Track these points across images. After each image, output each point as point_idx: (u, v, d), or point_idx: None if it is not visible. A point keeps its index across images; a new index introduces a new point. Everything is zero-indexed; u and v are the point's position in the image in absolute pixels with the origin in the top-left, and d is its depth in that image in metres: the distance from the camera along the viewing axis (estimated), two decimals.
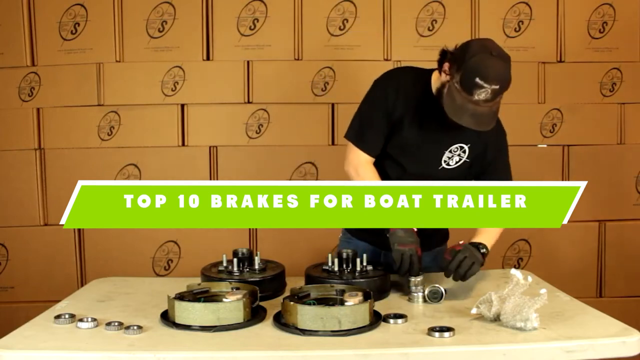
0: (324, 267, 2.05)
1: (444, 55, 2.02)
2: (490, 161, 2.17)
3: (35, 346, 1.60)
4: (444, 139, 2.13)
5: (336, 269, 2.02)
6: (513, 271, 1.71)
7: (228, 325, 1.68)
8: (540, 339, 1.60)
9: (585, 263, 3.19)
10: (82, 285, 2.77)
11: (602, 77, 3.18)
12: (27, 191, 3.12)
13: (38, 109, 3.12)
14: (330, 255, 2.06)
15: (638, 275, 3.19)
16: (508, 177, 2.18)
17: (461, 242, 2.03)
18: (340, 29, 3.14)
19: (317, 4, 3.11)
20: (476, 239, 2.07)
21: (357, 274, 1.99)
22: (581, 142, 3.20)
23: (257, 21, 3.12)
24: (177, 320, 1.70)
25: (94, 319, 1.72)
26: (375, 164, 2.21)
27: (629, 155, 3.21)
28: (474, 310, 1.75)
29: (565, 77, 3.18)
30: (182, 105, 3.13)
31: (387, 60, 3.14)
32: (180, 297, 1.79)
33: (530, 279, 1.73)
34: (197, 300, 1.77)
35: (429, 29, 3.14)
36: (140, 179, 3.12)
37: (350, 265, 2.03)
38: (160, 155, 3.14)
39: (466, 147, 2.14)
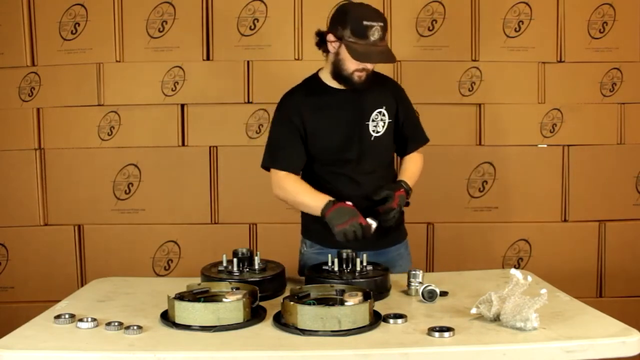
0: (324, 267, 2.05)
1: (321, 35, 2.19)
2: (404, 113, 2.31)
3: (35, 346, 1.60)
4: (363, 112, 2.24)
5: (336, 269, 2.02)
6: (513, 271, 1.71)
7: (228, 325, 1.68)
8: (540, 339, 1.60)
9: (585, 263, 3.18)
10: (82, 285, 2.77)
11: (602, 77, 3.18)
12: (27, 191, 3.12)
13: (38, 109, 3.12)
14: (330, 255, 2.06)
15: (638, 275, 3.19)
16: (420, 127, 2.38)
17: (398, 193, 2.16)
18: None
19: (317, 3, 3.11)
20: (407, 181, 2.24)
21: (357, 274, 1.99)
22: (581, 142, 3.19)
23: (257, 21, 3.11)
24: (177, 320, 1.70)
25: (94, 319, 1.73)
26: (321, 178, 2.26)
27: (629, 155, 3.20)
28: (474, 310, 1.75)
29: (565, 77, 3.17)
30: (182, 105, 3.13)
31: None
32: (180, 297, 1.79)
33: (530, 279, 1.73)
34: (197, 300, 1.77)
35: (429, 29, 3.14)
36: (140, 179, 3.13)
37: (350, 265, 2.03)
38: (160, 155, 3.14)
39: (383, 110, 2.25)
